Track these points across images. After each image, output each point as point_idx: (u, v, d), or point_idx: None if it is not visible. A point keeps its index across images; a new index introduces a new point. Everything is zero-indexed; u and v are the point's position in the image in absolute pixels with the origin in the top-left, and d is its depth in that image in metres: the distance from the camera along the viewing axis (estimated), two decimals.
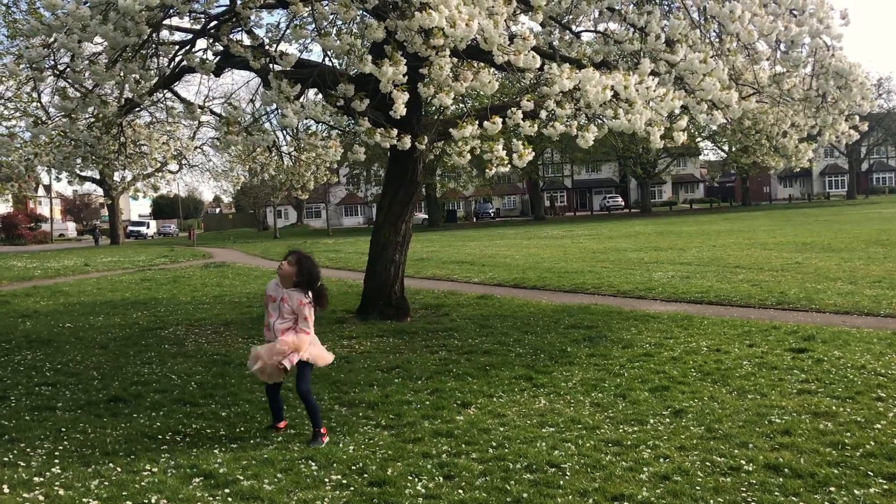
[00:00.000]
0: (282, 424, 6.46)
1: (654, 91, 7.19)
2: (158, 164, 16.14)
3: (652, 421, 6.25)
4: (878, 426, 5.81)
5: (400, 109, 6.84)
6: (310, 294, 6.21)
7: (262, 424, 6.57)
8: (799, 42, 9.26)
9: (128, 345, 10.79)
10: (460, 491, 4.84)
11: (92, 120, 10.48)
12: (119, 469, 5.43)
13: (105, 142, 10.65)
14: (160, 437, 6.23)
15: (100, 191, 59.19)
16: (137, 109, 11.53)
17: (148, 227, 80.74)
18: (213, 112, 14.06)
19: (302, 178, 16.87)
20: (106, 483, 5.14)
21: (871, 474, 4.88)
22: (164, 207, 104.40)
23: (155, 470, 5.38)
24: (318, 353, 6.34)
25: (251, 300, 15.97)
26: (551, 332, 10.72)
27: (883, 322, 10.66)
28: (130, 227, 76.79)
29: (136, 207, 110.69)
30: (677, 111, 7.74)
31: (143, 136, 15.23)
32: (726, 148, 69.15)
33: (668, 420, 6.26)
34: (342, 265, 25.79)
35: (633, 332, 10.48)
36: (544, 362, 8.72)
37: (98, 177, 47.66)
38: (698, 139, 70.07)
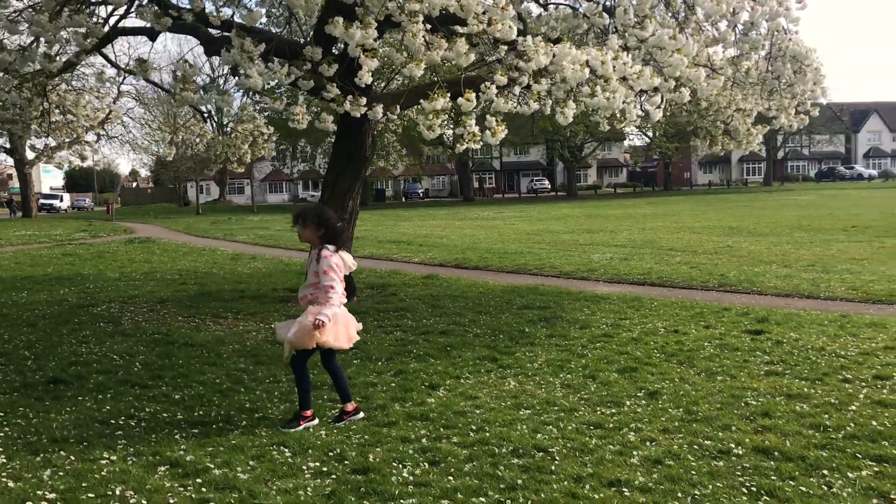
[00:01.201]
0: (308, 413, 5.73)
1: (631, 67, 7.03)
2: (85, 132, 15.23)
3: (628, 403, 6.13)
4: (853, 408, 5.82)
5: (365, 77, 6.48)
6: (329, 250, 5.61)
7: (221, 408, 6.18)
8: (758, 23, 9.29)
9: (59, 323, 10.14)
10: (450, 478, 4.60)
11: (16, 82, 9.73)
12: (73, 457, 4.98)
13: (36, 104, 9.91)
14: (112, 421, 5.78)
15: (10, 160, 56.18)
16: (69, 73, 10.79)
17: (61, 201, 77.37)
18: (148, 81, 13.34)
19: (238, 151, 16.26)
20: (61, 473, 4.70)
21: (860, 456, 4.84)
22: (78, 180, 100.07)
23: (114, 458, 4.96)
24: (335, 341, 5.63)
25: (184, 277, 15.33)
26: (505, 312, 10.56)
27: (824, 304, 10.87)
28: (42, 200, 73.35)
29: (48, 179, 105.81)
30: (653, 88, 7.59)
31: (69, 101, 14.38)
32: (651, 133, 70.38)
33: (644, 402, 6.15)
34: (273, 243, 25.09)
35: (586, 312, 10.41)
36: (505, 343, 8.55)
37: (8, 146, 45.28)
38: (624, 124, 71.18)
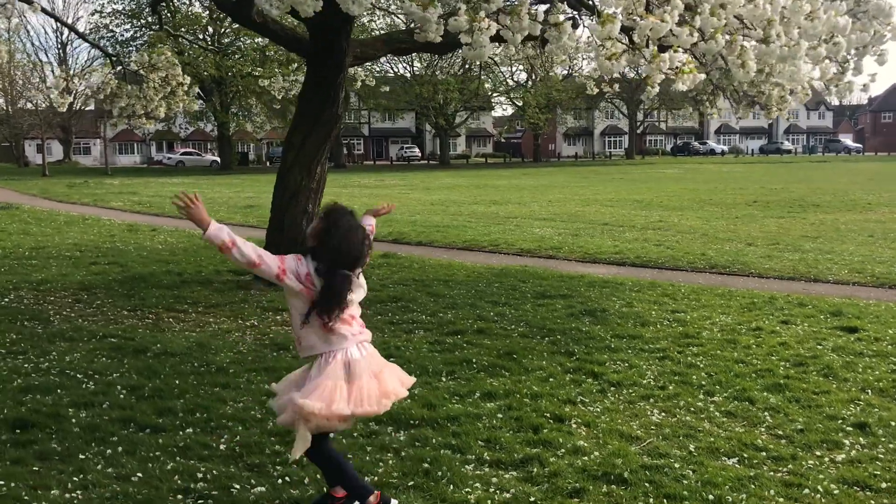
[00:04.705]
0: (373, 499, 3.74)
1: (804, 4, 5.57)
2: None
3: (847, 442, 4.72)
4: None
5: None
6: (309, 263, 3.62)
7: (315, 470, 4.24)
8: None
9: None
10: None
11: None
12: None
13: None
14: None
15: None
16: None
17: None
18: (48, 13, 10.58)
19: (150, 104, 13.60)
20: None
21: None
22: None
23: None
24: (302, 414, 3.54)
25: (87, 254, 12.64)
26: (525, 303, 8.96)
27: (842, 290, 10.07)
28: None
29: None
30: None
31: None
32: (521, 103, 70.06)
33: (863, 440, 4.77)
34: (158, 210, 22.11)
35: (619, 301, 9.00)
36: (573, 347, 6.93)
37: None
38: (494, 94, 70.67)
